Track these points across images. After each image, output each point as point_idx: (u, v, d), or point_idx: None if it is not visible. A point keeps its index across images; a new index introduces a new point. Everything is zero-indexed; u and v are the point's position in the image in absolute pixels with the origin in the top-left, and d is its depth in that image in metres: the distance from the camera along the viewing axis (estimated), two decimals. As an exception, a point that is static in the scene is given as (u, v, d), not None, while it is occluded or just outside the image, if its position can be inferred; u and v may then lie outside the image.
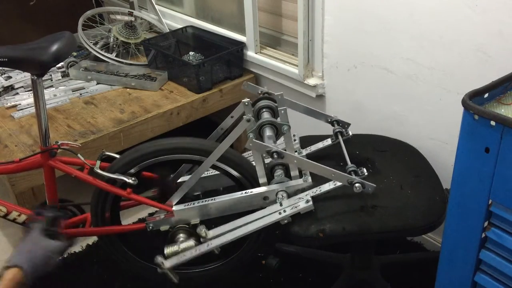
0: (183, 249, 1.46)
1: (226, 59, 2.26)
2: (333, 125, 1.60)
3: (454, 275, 1.20)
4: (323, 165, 1.33)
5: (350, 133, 1.59)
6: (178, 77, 2.30)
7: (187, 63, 2.25)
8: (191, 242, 1.46)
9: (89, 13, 2.63)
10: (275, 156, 1.31)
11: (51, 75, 2.36)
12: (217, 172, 1.56)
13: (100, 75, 2.35)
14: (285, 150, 1.40)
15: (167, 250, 1.46)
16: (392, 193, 1.40)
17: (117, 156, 1.50)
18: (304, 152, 1.57)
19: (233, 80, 2.31)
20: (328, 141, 1.59)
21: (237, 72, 2.33)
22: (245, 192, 1.43)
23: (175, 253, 1.46)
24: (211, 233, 1.41)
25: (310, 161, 1.36)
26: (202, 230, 1.41)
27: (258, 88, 1.56)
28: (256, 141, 1.32)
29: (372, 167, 1.50)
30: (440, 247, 1.22)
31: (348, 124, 1.61)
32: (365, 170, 1.33)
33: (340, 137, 1.55)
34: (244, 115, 1.38)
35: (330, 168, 1.32)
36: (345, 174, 1.32)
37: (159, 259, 1.46)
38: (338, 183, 1.34)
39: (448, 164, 1.56)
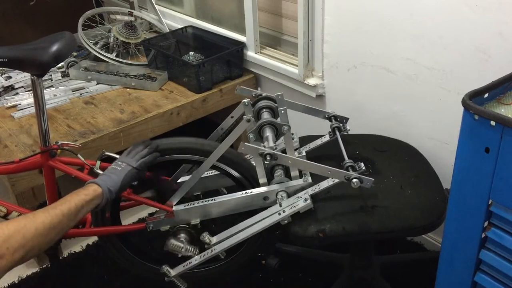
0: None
1: (226, 59, 2.26)
2: (330, 121, 1.58)
3: (454, 275, 1.20)
4: (318, 164, 1.32)
5: (348, 128, 1.57)
6: (178, 77, 2.30)
7: (187, 63, 2.25)
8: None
9: (89, 13, 2.63)
10: (268, 158, 1.31)
11: (51, 75, 2.36)
12: (217, 172, 1.56)
13: (100, 75, 2.35)
14: (285, 150, 1.40)
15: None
16: (392, 193, 1.40)
17: (117, 156, 1.50)
18: (304, 151, 1.57)
19: (233, 80, 2.31)
20: (326, 137, 1.58)
21: (237, 72, 2.33)
22: (245, 192, 1.43)
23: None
24: (215, 239, 1.41)
25: (305, 160, 1.36)
26: (205, 237, 1.41)
27: (252, 91, 1.55)
28: (248, 144, 1.31)
29: (372, 167, 1.50)
30: (440, 247, 1.22)
31: (346, 119, 1.58)
32: (362, 164, 1.30)
33: (337, 132, 1.53)
34: (244, 115, 1.38)
35: (326, 166, 1.31)
36: (342, 170, 1.30)
37: (165, 268, 1.46)
38: (336, 180, 1.34)
39: (448, 164, 1.55)
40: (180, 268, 1.47)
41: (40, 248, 1.03)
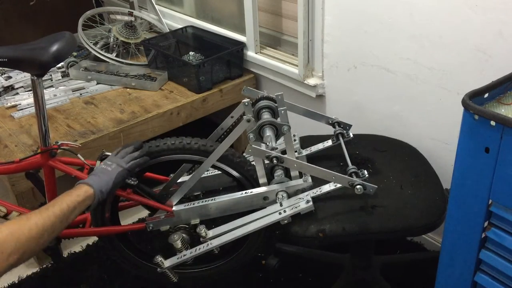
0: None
1: (226, 59, 2.26)
2: (334, 127, 1.59)
3: (454, 275, 1.20)
4: (323, 168, 1.33)
5: (351, 135, 1.58)
6: (178, 77, 2.30)
7: (187, 63, 2.25)
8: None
9: (89, 13, 2.63)
10: (275, 161, 1.31)
11: (51, 75, 2.36)
12: (217, 172, 1.56)
13: (100, 75, 2.35)
14: (285, 150, 1.40)
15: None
16: (392, 193, 1.40)
17: (117, 156, 1.50)
18: (304, 152, 1.57)
19: (233, 80, 2.31)
20: (329, 142, 1.59)
21: (237, 72, 2.33)
22: (245, 192, 1.43)
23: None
24: (211, 233, 1.41)
25: (310, 165, 1.36)
26: (202, 230, 1.41)
27: (258, 93, 1.55)
28: (256, 146, 1.32)
29: (372, 167, 1.50)
30: (440, 247, 1.22)
31: (349, 126, 1.60)
32: (366, 172, 1.33)
33: (341, 138, 1.55)
34: (244, 115, 1.38)
35: (331, 171, 1.32)
36: (346, 176, 1.32)
37: (159, 258, 1.46)
38: (339, 185, 1.34)
39: (448, 164, 1.56)
40: (173, 260, 1.46)
41: (34, 251, 1.03)
